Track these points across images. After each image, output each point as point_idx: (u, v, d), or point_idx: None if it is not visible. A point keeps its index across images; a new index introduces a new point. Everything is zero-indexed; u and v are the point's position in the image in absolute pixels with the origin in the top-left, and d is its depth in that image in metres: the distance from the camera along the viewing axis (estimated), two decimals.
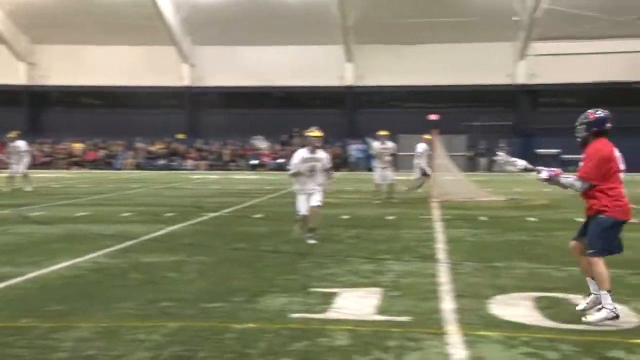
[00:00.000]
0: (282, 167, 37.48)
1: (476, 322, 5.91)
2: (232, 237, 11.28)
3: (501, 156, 6.52)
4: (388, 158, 18.49)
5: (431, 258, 9.28)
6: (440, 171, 19.28)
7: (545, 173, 6.24)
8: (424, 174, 19.79)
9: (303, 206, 10.59)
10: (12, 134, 22.49)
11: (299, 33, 40.25)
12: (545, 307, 6.43)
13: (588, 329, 5.71)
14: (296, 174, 10.53)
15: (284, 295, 6.93)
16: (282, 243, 10.65)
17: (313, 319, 5.99)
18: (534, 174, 6.36)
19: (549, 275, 8.06)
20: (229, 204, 17.48)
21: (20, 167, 21.73)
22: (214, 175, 34.25)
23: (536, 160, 37.99)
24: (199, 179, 31.21)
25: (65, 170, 39.49)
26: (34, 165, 41.16)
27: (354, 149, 40.47)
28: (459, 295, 6.89)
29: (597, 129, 6.07)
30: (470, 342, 5.30)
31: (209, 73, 42.77)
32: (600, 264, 5.96)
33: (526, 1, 35.95)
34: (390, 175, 18.57)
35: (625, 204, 6.05)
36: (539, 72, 40.15)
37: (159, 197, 20.47)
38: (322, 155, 10.72)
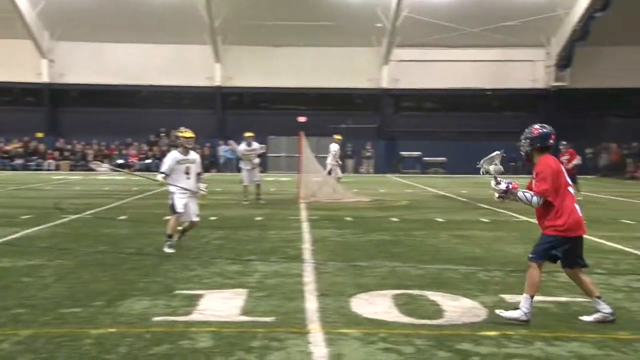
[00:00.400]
0: (149, 168, 36.61)
1: (338, 320, 6.07)
2: (94, 240, 10.91)
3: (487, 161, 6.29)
4: (255, 159, 18.59)
5: (297, 258, 9.41)
6: (308, 172, 19.58)
7: (504, 185, 6.17)
8: (329, 173, 20.56)
9: (182, 208, 10.07)
10: None
11: (167, 32, 39.41)
12: (403, 303, 6.71)
13: (441, 323, 6.01)
14: (167, 176, 10.07)
15: (147, 298, 6.80)
16: (147, 245, 10.42)
17: (176, 322, 5.93)
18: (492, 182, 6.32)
19: (407, 273, 8.40)
20: (92, 205, 16.86)
21: None
22: (76, 176, 32.88)
23: (400, 162, 39.39)
24: (60, 179, 29.85)
25: None
26: None
27: (223, 150, 40.22)
28: (322, 295, 7.05)
29: (540, 145, 6.13)
30: (331, 339, 5.45)
31: (71, 70, 40.93)
32: (536, 270, 6.03)
33: (388, 9, 37.20)
34: (258, 176, 18.73)
35: (577, 219, 6.05)
36: (401, 77, 41.66)
37: (14, 198, 19.42)
38: (195, 156, 10.37)
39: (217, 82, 41.49)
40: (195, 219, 10.30)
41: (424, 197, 21.48)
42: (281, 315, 6.23)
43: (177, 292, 7.10)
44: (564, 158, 18.39)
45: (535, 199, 6.02)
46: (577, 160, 19.44)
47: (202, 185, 10.42)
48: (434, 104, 43.69)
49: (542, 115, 41.73)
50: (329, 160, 21.19)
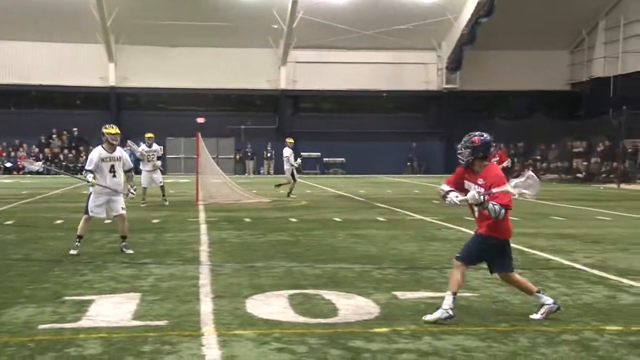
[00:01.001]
0: (40, 171, 35.12)
1: (232, 321, 6.05)
2: None
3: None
4: (156, 161, 18.31)
5: (194, 260, 9.31)
6: (205, 174, 19.40)
7: (481, 197, 5.98)
8: (293, 176, 21.15)
9: (97, 208, 9.81)
10: None
11: (59, 30, 38.00)
12: (298, 303, 6.77)
13: (335, 322, 6.10)
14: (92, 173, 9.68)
15: (33, 305, 6.55)
16: (35, 250, 10.03)
17: (64, 329, 5.74)
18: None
19: (304, 272, 8.47)
20: None
21: None
22: None
23: (303, 163, 39.65)
24: None
25: None
26: None
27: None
28: (217, 296, 7.01)
29: (483, 153, 6.09)
30: (225, 341, 5.43)
31: None
32: (461, 270, 6.09)
33: (284, 10, 37.41)
34: (159, 177, 18.46)
35: (509, 224, 6.17)
36: (299, 78, 41.97)
37: None
38: (120, 153, 10.01)
39: (111, 82, 40.40)
40: (121, 212, 9.95)
41: (323, 197, 21.73)
42: (175, 318, 6.15)
43: (66, 298, 6.87)
44: (494, 160, 18.90)
45: (502, 211, 5.93)
46: (507, 163, 19.99)
47: (132, 188, 10.30)
48: (332, 105, 44.28)
49: (434, 116, 43.25)
50: (286, 167, 21.74)
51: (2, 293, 7.12)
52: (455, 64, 41.56)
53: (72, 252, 9.57)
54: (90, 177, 9.71)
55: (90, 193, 9.84)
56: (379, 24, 38.80)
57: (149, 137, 18.45)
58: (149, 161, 18.22)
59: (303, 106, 44.08)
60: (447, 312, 5.97)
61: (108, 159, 9.83)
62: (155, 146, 18.40)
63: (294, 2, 35.90)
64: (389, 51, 41.57)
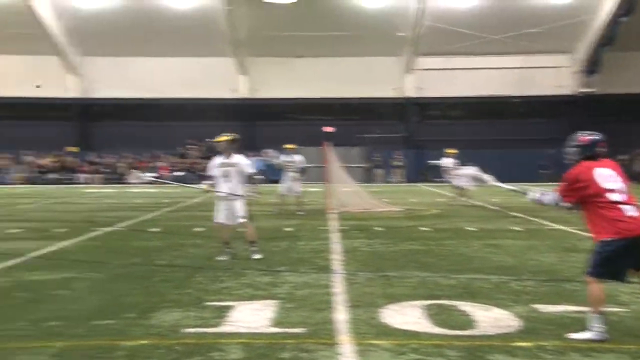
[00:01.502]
0: (179, 180, 36.88)
1: (368, 331, 6.04)
2: (125, 252, 11.01)
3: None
4: (295, 171, 18.59)
5: (327, 269, 9.39)
6: (336, 183, 19.57)
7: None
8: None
9: (221, 214, 10.31)
10: None
11: (191, 45, 39.87)
12: (434, 314, 6.65)
13: (473, 334, 5.95)
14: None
15: (178, 310, 6.83)
16: (177, 257, 10.49)
17: (207, 334, 5.95)
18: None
19: (438, 283, 8.33)
20: (124, 218, 17.04)
21: None
22: (108, 189, 33.28)
23: (429, 171, 39.09)
24: (93, 193, 30.25)
25: None
26: None
27: (255, 161, 40.42)
28: (352, 305, 7.01)
29: (589, 153, 5.90)
30: (361, 351, 5.42)
31: (99, 84, 41.60)
32: (596, 286, 5.74)
33: (410, 18, 37.21)
34: (297, 187, 18.65)
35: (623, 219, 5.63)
36: (426, 85, 41.57)
37: (49, 212, 19.71)
38: (238, 160, 10.32)
39: (243, 94, 41.78)
40: (240, 220, 10.32)
41: (455, 206, 21.32)
42: (311, 326, 6.22)
43: (208, 303, 7.12)
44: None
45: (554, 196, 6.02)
46: None
47: (253, 191, 10.55)
48: (460, 112, 43.52)
49: (568, 121, 41.35)
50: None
51: (150, 297, 7.49)
52: (592, 66, 39.69)
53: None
54: (204, 184, 10.21)
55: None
56: (508, 28, 37.82)
57: (288, 148, 18.96)
58: (286, 171, 18.62)
59: (430, 114, 43.62)
60: (597, 335, 5.59)
61: (224, 166, 10.18)
62: (295, 157, 18.80)
63: (419, 9, 35.65)
64: (519, 55, 40.41)
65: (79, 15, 37.20)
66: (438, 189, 31.19)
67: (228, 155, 10.27)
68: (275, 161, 18.55)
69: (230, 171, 10.18)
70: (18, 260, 10.17)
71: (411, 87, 41.74)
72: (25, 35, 38.21)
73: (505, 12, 37.09)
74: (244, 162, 10.37)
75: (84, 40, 39.93)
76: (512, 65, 40.84)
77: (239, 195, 10.25)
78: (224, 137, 10.38)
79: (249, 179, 10.38)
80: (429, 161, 33.51)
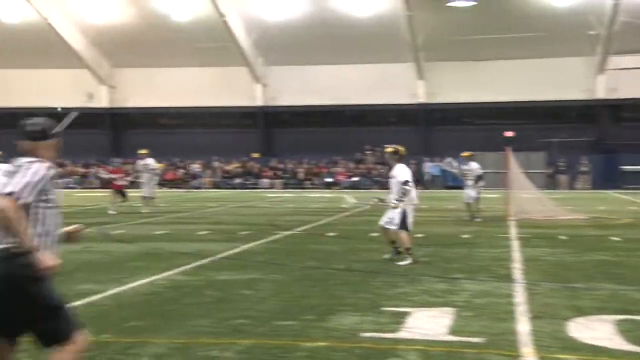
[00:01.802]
0: (355, 186, 37.56)
1: (552, 344, 5.74)
2: (305, 255, 11.35)
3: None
4: (471, 179, 18.36)
5: (507, 278, 9.08)
6: (516, 189, 18.90)
7: None
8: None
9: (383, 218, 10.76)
10: (143, 151, 21.59)
11: (370, 51, 40.31)
12: (627, 330, 6.19)
13: None
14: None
15: (356, 314, 6.91)
16: (354, 261, 10.63)
17: (384, 339, 5.95)
18: None
19: (631, 297, 7.75)
20: (303, 222, 17.59)
21: (148, 186, 21.20)
22: (289, 194, 34.59)
23: (622, 177, 36.42)
24: (274, 197, 31.56)
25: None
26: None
27: (429, 167, 40.15)
28: (535, 317, 6.71)
29: None
30: None
31: (282, 92, 43.32)
32: None
33: (603, 15, 34.94)
34: (472, 194, 18.35)
35: None
36: (620, 86, 38.87)
37: (235, 215, 20.80)
38: (396, 171, 10.64)
39: (421, 99, 41.59)
40: (382, 224, 10.76)
41: None
42: (491, 336, 6.02)
43: (384, 308, 7.13)
44: None
45: None
46: None
47: (391, 197, 10.71)
48: None
49: None
50: None
51: (328, 300, 7.64)
52: None
53: (402, 263, 10.21)
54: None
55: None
56: None
57: (465, 156, 19.08)
58: (465, 179, 18.64)
59: (626, 116, 40.74)
60: None
61: (388, 177, 10.93)
62: (471, 164, 18.67)
63: (615, 5, 33.35)
64: None
65: (265, 27, 39.00)
66: (630, 197, 29.10)
67: (391, 167, 10.89)
68: (454, 170, 18.44)
69: (391, 182, 10.70)
70: (207, 260, 10.82)
71: (603, 88, 39.25)
72: (215, 49, 40.77)
73: None
74: (398, 173, 10.60)
75: (269, 51, 41.83)
76: None
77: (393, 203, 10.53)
78: (388, 148, 11.02)
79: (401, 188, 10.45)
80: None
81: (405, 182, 10.40)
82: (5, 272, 3.74)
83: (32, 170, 3.82)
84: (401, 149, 10.93)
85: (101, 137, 45.34)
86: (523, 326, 6.36)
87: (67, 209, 23.27)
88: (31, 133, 4.00)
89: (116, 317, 6.86)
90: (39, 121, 4.07)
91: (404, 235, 10.39)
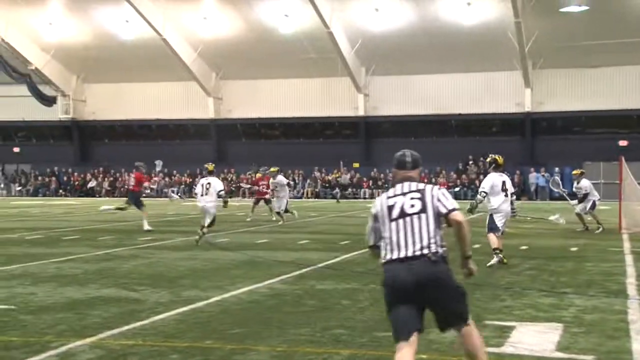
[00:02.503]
0: (457, 196, 36.84)
1: None
2: None
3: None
4: (580, 196, 17.93)
5: (620, 293, 8.66)
6: (630, 200, 18.03)
7: None
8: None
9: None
10: (273, 169, 22.19)
11: (475, 60, 39.63)
12: None
13: None
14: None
15: None
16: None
17: (488, 353, 5.76)
18: None
19: None
20: None
21: (280, 201, 21.51)
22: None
23: None
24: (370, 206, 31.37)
25: (249, 199, 41.55)
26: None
27: (534, 177, 38.95)
28: None
29: None
30: None
31: (384, 102, 43.25)
32: None
33: None
34: (580, 207, 17.88)
35: None
36: None
37: (335, 225, 20.89)
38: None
39: (527, 107, 40.46)
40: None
41: None
42: (602, 354, 5.74)
43: (488, 322, 6.94)
44: None
45: None
46: None
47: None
48: None
49: None
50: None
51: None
52: None
53: (491, 263, 10.66)
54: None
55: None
56: None
57: (577, 174, 18.37)
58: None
59: None
60: None
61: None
62: (582, 183, 18.07)
63: None
64: None
65: (368, 37, 39.08)
66: None
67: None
68: (560, 191, 18.86)
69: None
70: (308, 269, 10.90)
71: None
72: (319, 60, 41.26)
73: None
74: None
75: (372, 61, 41.92)
76: None
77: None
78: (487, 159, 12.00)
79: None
80: None
81: (481, 192, 11.30)
82: (441, 273, 4.67)
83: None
84: (498, 158, 11.38)
85: (206, 147, 46.75)
86: (638, 345, 6.02)
87: (175, 216, 24.02)
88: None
89: (219, 323, 7.01)
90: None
91: (490, 236, 11.06)
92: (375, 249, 4.81)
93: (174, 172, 46.23)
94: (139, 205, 18.60)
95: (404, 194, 4.68)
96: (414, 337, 4.54)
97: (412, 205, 4.60)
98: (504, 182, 11.24)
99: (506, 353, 5.79)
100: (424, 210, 4.59)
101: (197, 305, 7.90)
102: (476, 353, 4.61)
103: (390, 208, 4.64)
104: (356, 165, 43.59)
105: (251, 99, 45.23)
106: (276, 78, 44.33)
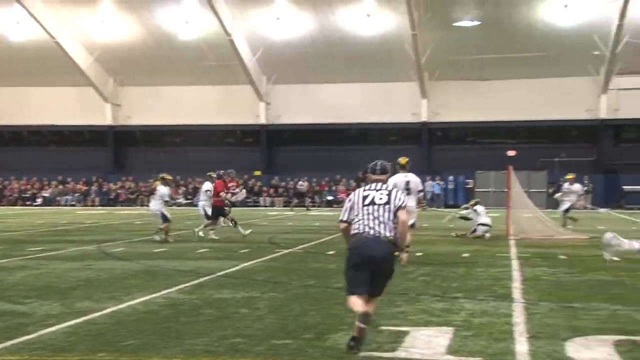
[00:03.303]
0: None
1: None
2: (304, 274, 11.33)
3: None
4: (578, 200, 20.59)
5: (506, 297, 9.06)
6: (516, 208, 18.90)
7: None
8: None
9: None
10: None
11: (374, 70, 40.54)
12: (627, 351, 6.16)
13: None
14: None
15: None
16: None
17: (382, 358, 5.93)
18: None
19: (631, 317, 7.72)
20: (303, 240, 17.58)
21: None
22: (289, 212, 34.51)
23: (623, 198, 36.44)
24: (275, 215, 31.51)
25: (147, 207, 40.68)
26: (118, 202, 42.73)
27: (430, 185, 40.14)
28: (533, 337, 6.69)
29: None
30: None
31: (284, 111, 43.47)
32: None
33: (607, 35, 35.03)
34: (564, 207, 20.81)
35: None
36: (622, 106, 38.99)
37: (235, 233, 20.76)
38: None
39: (424, 117, 41.69)
40: None
41: None
42: (489, 356, 5.99)
43: (383, 327, 7.10)
44: None
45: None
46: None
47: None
48: None
49: None
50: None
51: (326, 319, 7.62)
52: None
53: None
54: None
55: None
56: None
57: (568, 178, 21.25)
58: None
59: (626, 136, 40.74)
60: None
61: None
62: (574, 186, 20.96)
63: (619, 25, 33.39)
64: None
65: (269, 45, 39.17)
66: (631, 217, 29.06)
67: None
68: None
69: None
70: (206, 278, 10.80)
71: (606, 108, 39.27)
72: (220, 67, 41.01)
73: None
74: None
75: (273, 69, 42.04)
76: None
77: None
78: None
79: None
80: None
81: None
82: (391, 254, 6.30)
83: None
84: (402, 160, 12.89)
85: (103, 155, 45.48)
86: (521, 346, 6.33)
87: (68, 225, 23.24)
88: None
89: (113, 335, 6.84)
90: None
91: None
92: (347, 223, 6.48)
93: (69, 179, 44.68)
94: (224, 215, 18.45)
95: (376, 190, 6.44)
96: (364, 296, 6.19)
97: (381, 198, 6.34)
98: (407, 182, 12.63)
99: (399, 358, 5.94)
100: (388, 203, 6.31)
101: (89, 317, 7.67)
102: (371, 312, 6.24)
103: (365, 197, 6.39)
104: (257, 173, 43.53)
105: (151, 105, 44.41)
106: (177, 85, 43.75)
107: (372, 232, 6.24)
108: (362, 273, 6.27)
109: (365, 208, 6.35)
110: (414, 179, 12.77)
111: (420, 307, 8.34)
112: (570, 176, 21.43)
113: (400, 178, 12.62)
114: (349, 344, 5.95)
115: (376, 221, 6.26)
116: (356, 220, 6.38)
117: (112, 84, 44.82)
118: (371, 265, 6.21)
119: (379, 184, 6.55)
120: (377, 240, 6.19)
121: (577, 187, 21.09)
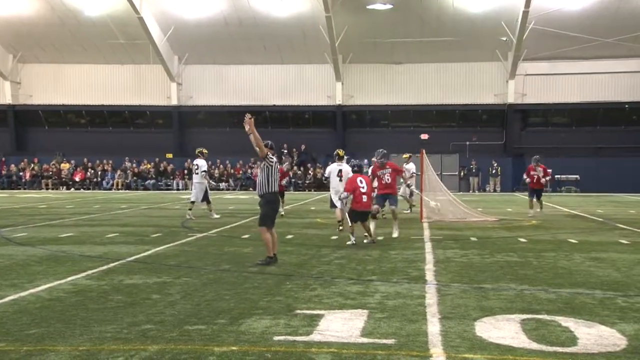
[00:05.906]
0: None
1: (461, 344, 5.81)
2: (218, 258, 11.16)
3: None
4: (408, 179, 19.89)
5: (419, 279, 9.18)
6: (429, 191, 19.26)
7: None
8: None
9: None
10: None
11: (288, 52, 40.40)
12: (532, 329, 6.34)
13: (574, 351, 5.61)
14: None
15: (268, 317, 6.81)
16: (269, 265, 10.51)
17: (297, 342, 5.88)
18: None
19: (536, 296, 7.96)
20: (217, 224, 17.34)
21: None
22: None
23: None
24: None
25: (53, 191, 39.23)
26: (20, 185, 41.02)
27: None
28: (445, 317, 6.80)
29: None
30: None
31: (197, 92, 42.75)
32: None
33: (514, 22, 36.11)
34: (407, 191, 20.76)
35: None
36: (528, 91, 40.40)
37: (146, 217, 20.30)
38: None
39: (338, 100, 41.89)
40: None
41: (556, 217, 20.54)
42: (402, 337, 6.04)
43: (298, 311, 7.06)
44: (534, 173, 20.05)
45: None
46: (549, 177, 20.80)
47: None
48: (565, 119, 41.83)
49: None
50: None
51: (240, 304, 7.50)
52: None
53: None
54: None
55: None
56: (622, 30, 35.99)
57: (406, 158, 21.88)
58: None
59: (532, 121, 42.24)
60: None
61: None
62: (409, 165, 21.28)
63: (524, 12, 34.43)
64: (634, 59, 38.50)
65: (181, 24, 38.29)
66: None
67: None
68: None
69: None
70: (116, 264, 10.48)
71: (513, 93, 40.56)
72: (128, 46, 39.85)
73: (618, 14, 35.18)
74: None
75: (185, 49, 41.16)
76: (625, 69, 39.00)
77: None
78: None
79: None
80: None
81: (323, 176, 14.59)
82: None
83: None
84: (339, 151, 15.74)
85: (3, 135, 43.54)
86: (433, 327, 6.42)
87: None
88: None
89: (14, 324, 6.51)
90: None
91: (336, 211, 14.86)
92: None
93: None
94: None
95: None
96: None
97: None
98: (340, 170, 15.22)
99: (314, 341, 5.91)
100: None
101: None
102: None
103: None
104: (169, 155, 42.68)
105: (55, 84, 42.80)
106: (83, 63, 42.30)
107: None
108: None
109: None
110: (346, 168, 15.10)
111: (335, 290, 8.34)
112: (405, 156, 22.31)
113: (334, 167, 15.45)
114: None
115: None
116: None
117: (11, 61, 42.80)
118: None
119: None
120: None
121: (410, 166, 21.23)
